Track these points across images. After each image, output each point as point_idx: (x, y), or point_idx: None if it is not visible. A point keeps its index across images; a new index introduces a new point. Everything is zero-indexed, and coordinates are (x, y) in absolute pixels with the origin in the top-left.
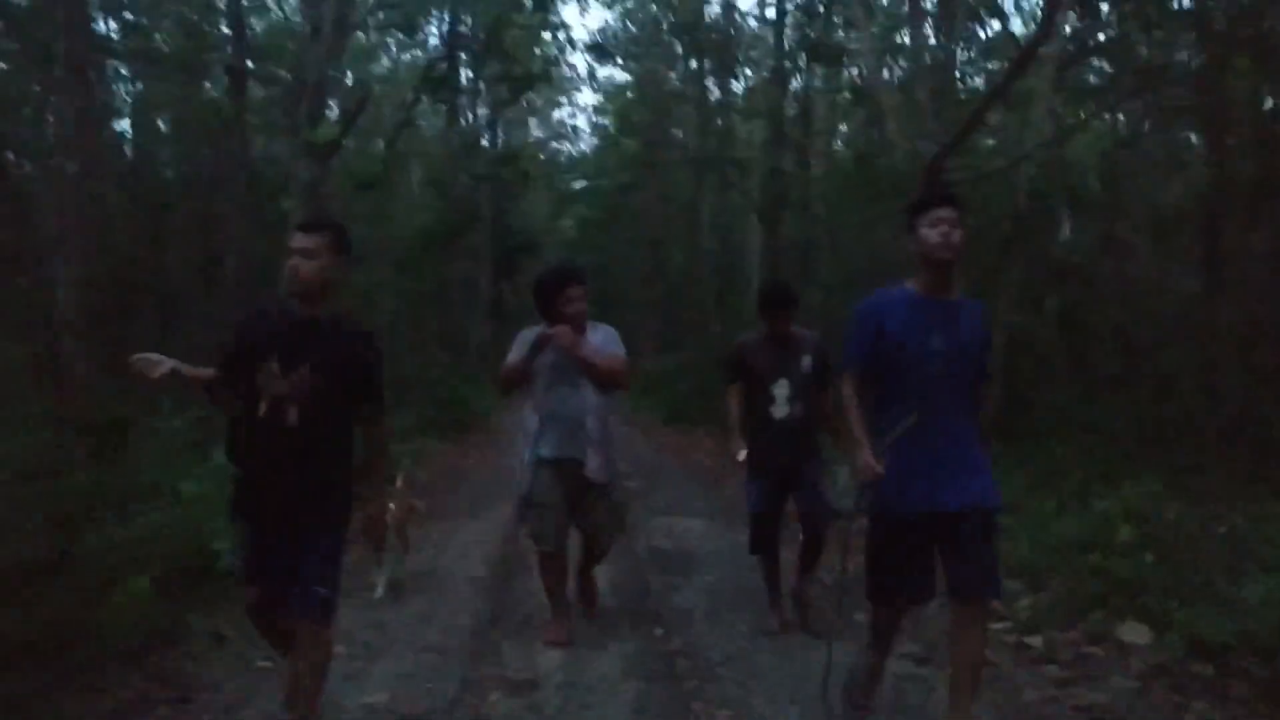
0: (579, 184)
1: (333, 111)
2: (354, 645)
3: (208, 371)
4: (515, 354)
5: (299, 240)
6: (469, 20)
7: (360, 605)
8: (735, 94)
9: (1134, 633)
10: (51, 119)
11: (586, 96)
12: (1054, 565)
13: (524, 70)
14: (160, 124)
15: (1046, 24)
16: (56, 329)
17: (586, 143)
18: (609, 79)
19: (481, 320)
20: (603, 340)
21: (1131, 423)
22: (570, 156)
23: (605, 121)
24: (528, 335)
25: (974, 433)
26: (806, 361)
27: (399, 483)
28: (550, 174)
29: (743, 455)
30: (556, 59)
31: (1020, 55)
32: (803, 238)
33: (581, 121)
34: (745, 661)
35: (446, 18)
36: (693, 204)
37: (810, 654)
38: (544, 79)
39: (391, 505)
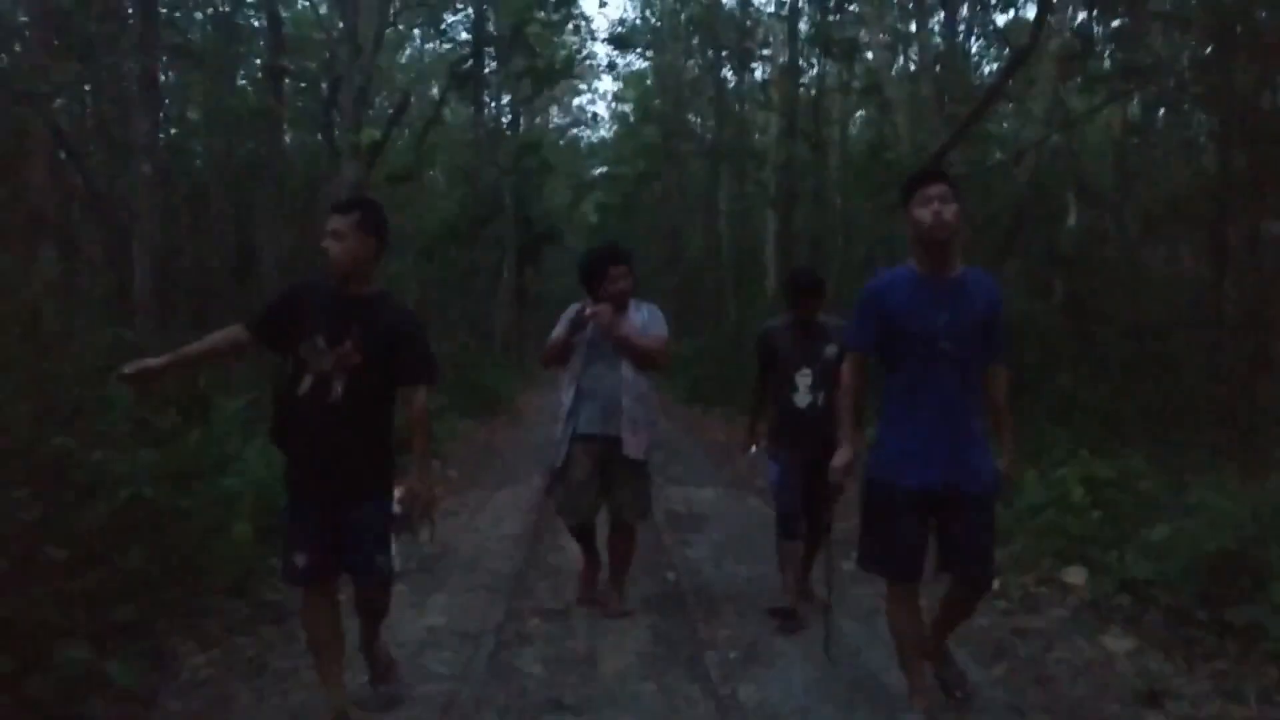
0: (598, 170)
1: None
2: (412, 584)
3: (198, 345)
4: (557, 330)
5: (331, 222)
6: (492, 16)
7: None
8: (752, 84)
9: (1074, 575)
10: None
11: (606, 84)
12: (1020, 523)
13: (546, 64)
14: (191, 116)
15: (1035, 32)
16: (134, 312)
17: (606, 129)
18: (628, 65)
19: (505, 307)
20: (647, 319)
21: (1130, 405)
22: (590, 143)
23: (625, 108)
24: (571, 311)
25: (976, 412)
26: (831, 350)
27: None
28: (570, 161)
29: (753, 450)
30: (578, 52)
31: (1009, 62)
32: (817, 226)
33: (601, 108)
34: (744, 598)
35: (472, 13)
36: (709, 193)
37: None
38: (566, 73)
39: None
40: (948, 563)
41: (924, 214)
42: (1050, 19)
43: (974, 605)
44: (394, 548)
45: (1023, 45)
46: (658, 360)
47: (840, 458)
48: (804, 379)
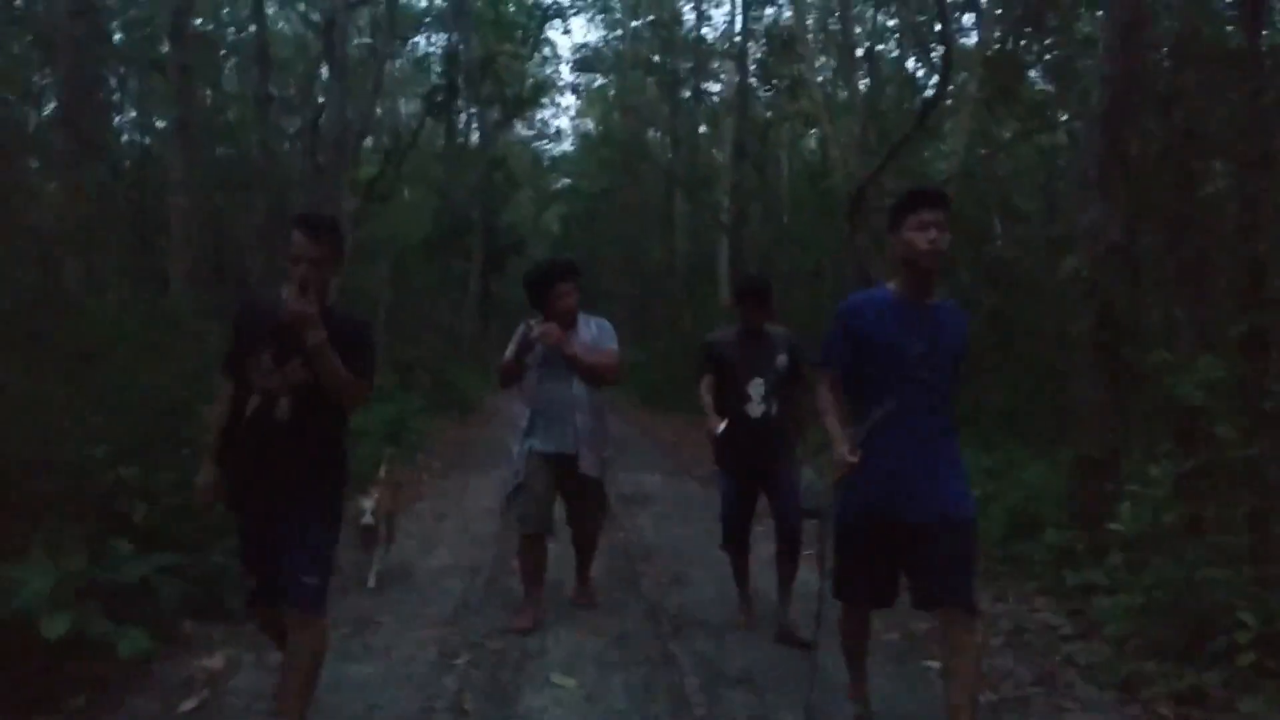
0: (561, 183)
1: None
2: (421, 539)
3: (214, 426)
4: (508, 351)
5: (308, 248)
6: (464, 47)
7: (354, 592)
8: (708, 107)
9: None
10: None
11: (569, 98)
12: None
13: (515, 94)
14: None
15: (941, 86)
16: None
17: (569, 142)
18: (592, 80)
19: (472, 314)
20: (596, 334)
21: (1031, 406)
22: (552, 157)
23: (588, 123)
24: (520, 332)
25: (950, 438)
26: (782, 360)
27: (382, 472)
28: (534, 173)
29: (722, 427)
30: (543, 71)
31: (920, 111)
32: (766, 242)
33: (564, 122)
34: (678, 548)
35: (444, 44)
36: (666, 210)
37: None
38: (534, 103)
39: (375, 495)
40: (926, 596)
41: (919, 239)
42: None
43: (969, 641)
44: (373, 569)
45: (931, 97)
46: (608, 376)
47: (839, 450)
48: (757, 389)
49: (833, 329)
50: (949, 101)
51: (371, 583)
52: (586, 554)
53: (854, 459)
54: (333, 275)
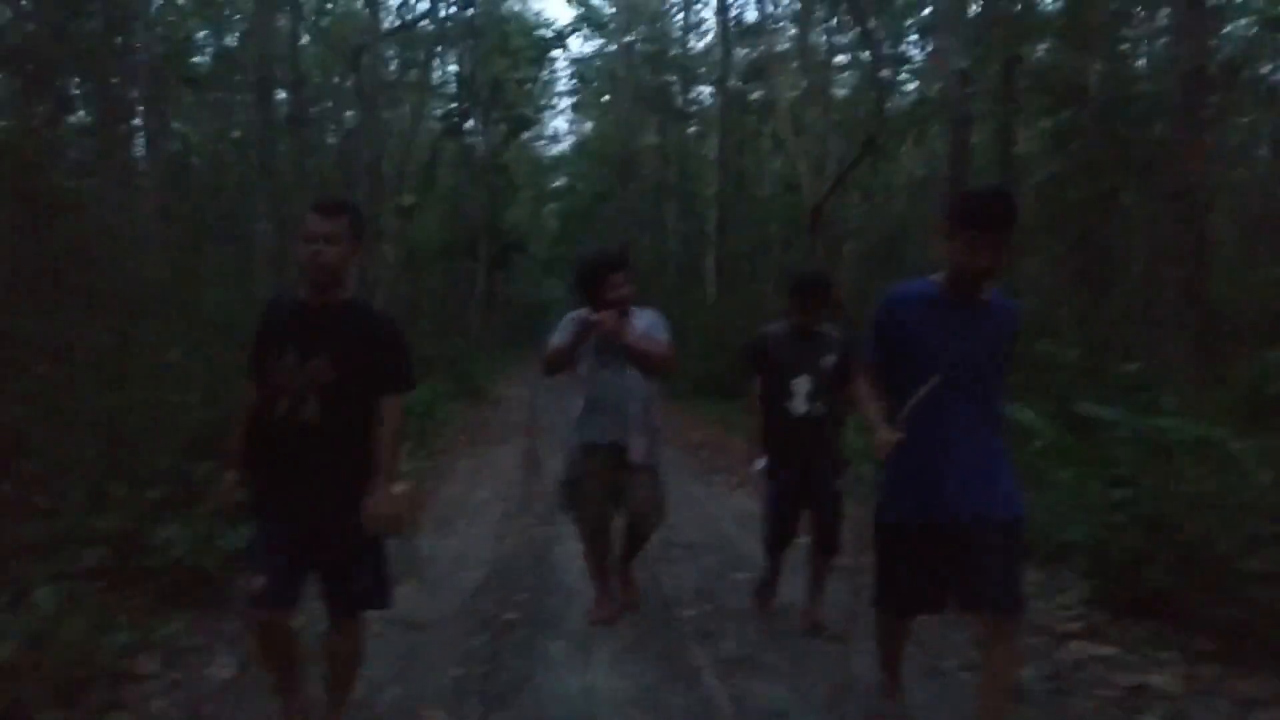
0: (559, 182)
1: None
2: (468, 485)
3: (240, 431)
4: (559, 337)
5: (320, 224)
6: (470, 70)
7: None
8: (694, 121)
9: None
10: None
11: (566, 99)
12: None
13: (519, 115)
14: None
15: (878, 128)
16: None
17: (566, 143)
18: (588, 84)
19: (479, 310)
20: (648, 325)
21: None
22: (552, 157)
23: (585, 123)
24: (573, 319)
25: (994, 438)
26: (829, 360)
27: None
28: (533, 174)
29: (760, 464)
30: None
31: (860, 150)
32: (750, 246)
33: (561, 122)
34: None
35: (458, 70)
36: (657, 218)
37: (702, 493)
38: (536, 122)
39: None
40: (970, 599)
41: (969, 258)
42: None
43: (1012, 644)
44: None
45: (870, 136)
46: (666, 365)
47: (880, 433)
48: (801, 386)
49: (874, 320)
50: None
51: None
52: (633, 549)
53: (898, 436)
54: (351, 255)
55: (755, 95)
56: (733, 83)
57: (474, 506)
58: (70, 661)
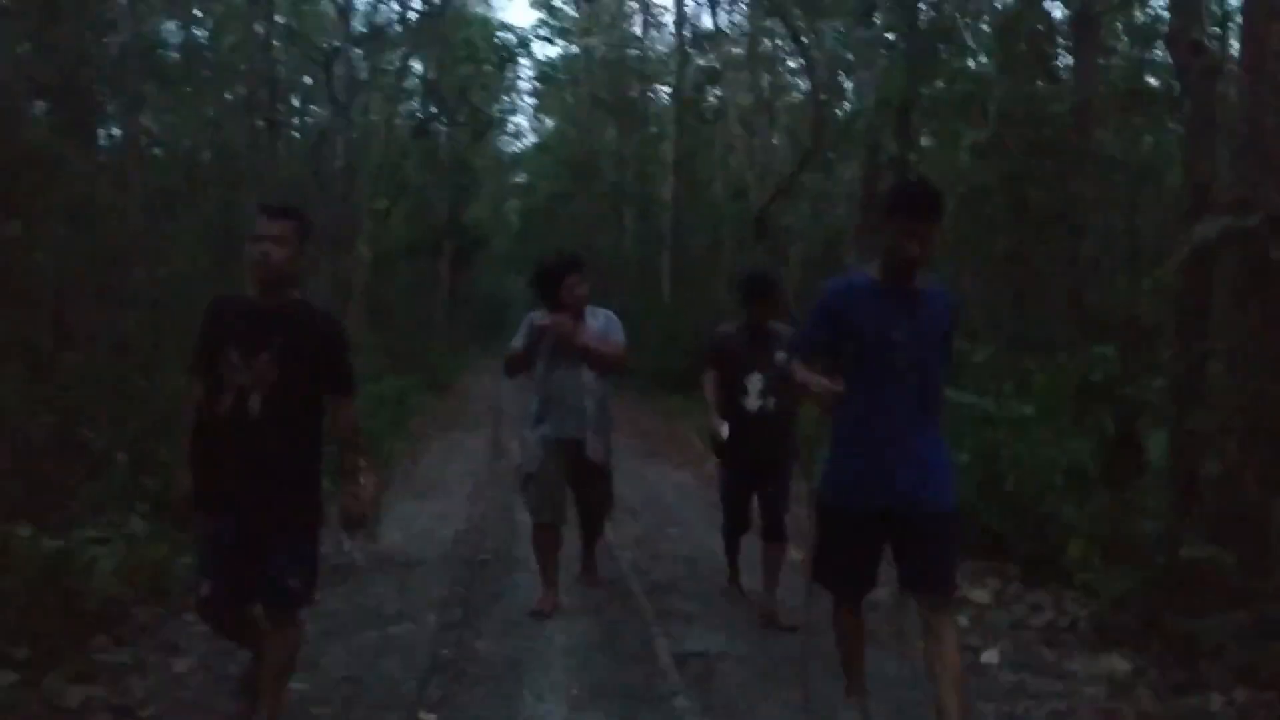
0: (519, 179)
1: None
2: (442, 461)
3: (188, 426)
4: (517, 341)
5: (268, 226)
6: (435, 75)
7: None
8: (651, 126)
9: None
10: None
11: (527, 100)
12: None
13: (486, 117)
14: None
15: (801, 166)
16: None
17: (528, 138)
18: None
19: (441, 305)
20: (603, 325)
21: None
22: (513, 154)
23: (546, 121)
24: (529, 322)
25: (933, 428)
26: (781, 356)
27: (362, 462)
28: (494, 171)
29: (725, 430)
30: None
31: (799, 162)
32: (704, 248)
33: (522, 119)
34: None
35: (423, 74)
36: (616, 217)
37: (655, 472)
38: (499, 125)
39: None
40: (908, 582)
41: (902, 245)
42: None
43: (949, 630)
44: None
45: (807, 150)
46: (617, 364)
47: (823, 382)
48: (754, 384)
49: (811, 314)
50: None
51: (360, 559)
52: (592, 538)
53: (838, 387)
54: (299, 257)
55: (709, 101)
56: (688, 90)
57: (449, 479)
58: (156, 574)
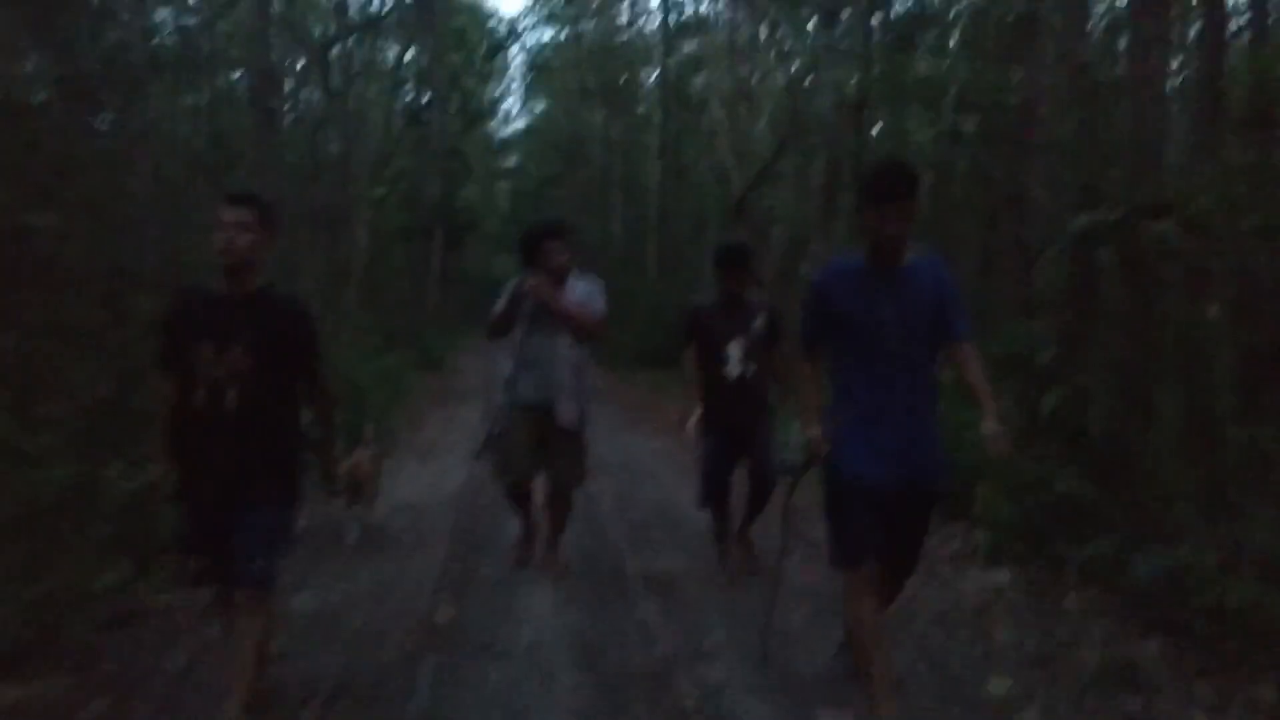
0: (512, 159)
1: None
2: (441, 431)
3: (163, 417)
4: (500, 303)
5: (231, 214)
6: (428, 63)
7: (332, 554)
8: (637, 112)
9: None
10: None
11: (517, 84)
12: None
13: (478, 104)
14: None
15: (775, 157)
16: None
17: (519, 121)
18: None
19: (435, 286)
20: (584, 293)
21: None
22: (503, 138)
23: (536, 105)
24: (512, 285)
25: (929, 406)
26: (759, 323)
27: (365, 438)
28: (485, 155)
29: (694, 419)
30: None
31: (772, 154)
32: (689, 232)
33: (513, 103)
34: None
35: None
36: (603, 200)
37: (633, 442)
38: (490, 115)
39: (355, 459)
40: (883, 551)
41: (883, 226)
42: None
43: (900, 589)
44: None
45: (782, 141)
46: (594, 332)
47: (814, 436)
48: (734, 351)
49: (806, 304)
50: None
51: (353, 538)
52: (560, 514)
53: (823, 450)
54: (263, 243)
55: (693, 87)
56: (672, 76)
57: (447, 445)
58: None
